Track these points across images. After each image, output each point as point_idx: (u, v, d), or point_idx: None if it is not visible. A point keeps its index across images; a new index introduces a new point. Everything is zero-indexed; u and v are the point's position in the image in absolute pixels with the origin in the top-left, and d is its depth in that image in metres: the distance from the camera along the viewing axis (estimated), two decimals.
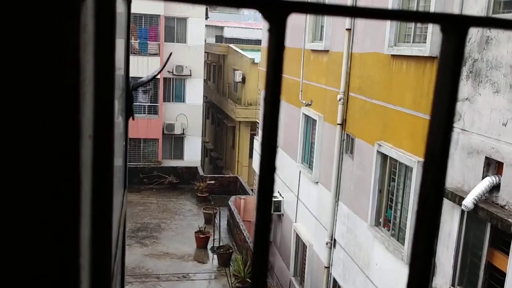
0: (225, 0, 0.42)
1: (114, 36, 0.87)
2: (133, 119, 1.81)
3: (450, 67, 0.45)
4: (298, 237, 13.39)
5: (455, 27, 0.45)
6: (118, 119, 1.49)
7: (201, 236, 17.75)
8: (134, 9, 24.08)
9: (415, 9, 8.25)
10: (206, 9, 27.39)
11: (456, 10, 6.93)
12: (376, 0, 9.44)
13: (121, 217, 1.55)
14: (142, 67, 24.82)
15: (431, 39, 7.47)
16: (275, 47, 0.41)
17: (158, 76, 25.27)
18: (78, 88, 0.53)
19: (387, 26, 8.76)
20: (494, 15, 6.38)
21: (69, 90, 0.52)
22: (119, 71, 1.54)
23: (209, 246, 17.78)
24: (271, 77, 0.42)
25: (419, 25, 8.21)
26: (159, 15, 25.53)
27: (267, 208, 0.43)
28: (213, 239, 17.55)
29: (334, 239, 11.12)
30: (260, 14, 0.41)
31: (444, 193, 6.01)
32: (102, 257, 0.89)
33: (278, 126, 0.43)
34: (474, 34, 6.60)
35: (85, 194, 0.65)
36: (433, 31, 7.45)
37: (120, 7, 1.43)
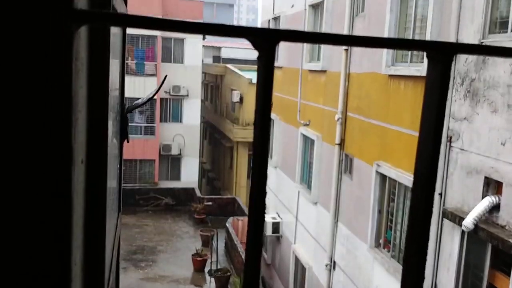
0: (215, 30, 0.43)
1: (107, 63, 0.90)
2: (127, 141, 1.77)
3: (436, 92, 0.47)
4: (297, 259, 13.24)
5: (440, 54, 0.46)
6: (113, 142, 1.46)
7: (198, 259, 17.53)
8: (131, 30, 24.30)
9: (412, 29, 8.30)
10: None
11: (452, 31, 6.97)
12: (372, 24, 9.52)
13: (115, 241, 1.51)
14: (139, 87, 24.88)
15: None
16: (264, 73, 0.42)
17: (155, 97, 25.32)
18: (70, 114, 0.53)
19: None
20: (490, 35, 6.42)
21: (61, 116, 0.52)
22: (114, 93, 1.52)
23: (206, 269, 17.56)
24: (261, 102, 0.43)
25: None
26: (156, 36, 25.72)
27: (259, 232, 0.44)
28: (211, 262, 17.33)
29: (334, 261, 10.98)
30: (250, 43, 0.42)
31: (444, 214, 5.95)
32: (95, 282, 0.87)
33: (269, 147, 0.44)
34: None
35: (77, 218, 0.63)
36: None
37: (115, 29, 1.42)
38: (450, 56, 0.47)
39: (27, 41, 0.49)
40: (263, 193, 0.44)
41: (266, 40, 0.42)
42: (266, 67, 0.42)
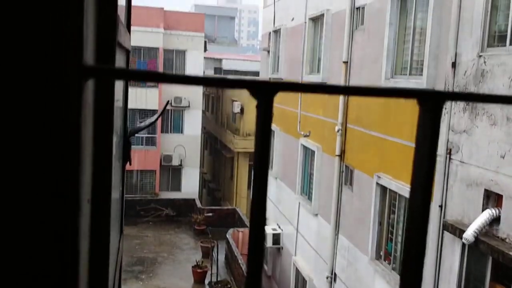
0: (217, 81, 0.46)
1: (112, 103, 0.91)
2: (130, 164, 1.80)
3: (427, 137, 0.49)
4: (297, 271, 13.19)
5: (431, 102, 0.49)
6: (115, 166, 1.49)
7: (199, 270, 17.46)
8: (134, 42, 24.42)
9: (411, 42, 8.36)
10: (205, 41, 27.78)
11: (451, 44, 7.02)
12: (372, 37, 9.58)
13: (116, 263, 1.52)
14: (141, 98, 24.97)
15: (428, 72, 7.54)
16: (262, 122, 0.45)
17: (156, 108, 25.39)
18: (78, 163, 0.56)
19: (384, 59, 8.86)
20: (489, 48, 6.46)
21: (69, 160, 0.55)
22: (118, 117, 1.55)
23: (206, 281, 17.48)
24: (259, 147, 0.45)
25: (415, 57, 8.31)
26: (158, 48, 25.86)
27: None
28: (211, 274, 17.26)
29: (335, 273, 10.94)
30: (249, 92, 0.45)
31: (445, 226, 5.94)
32: None
33: (266, 191, 0.45)
34: (470, 67, 6.67)
35: (83, 261, 0.65)
36: (429, 64, 7.53)
37: (121, 58, 1.46)
38: (440, 104, 0.49)
39: (38, 95, 0.52)
40: (263, 220, 0.46)
41: (264, 91, 0.44)
42: (264, 115, 0.44)
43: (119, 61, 1.45)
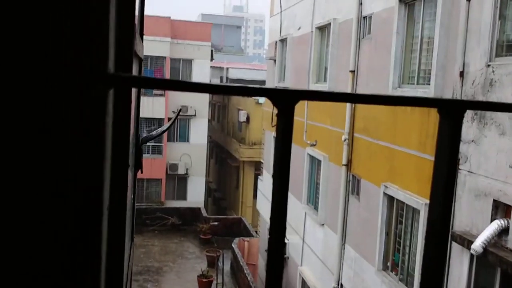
0: (238, 90, 0.45)
1: (129, 118, 0.94)
2: (141, 172, 1.79)
3: (447, 148, 0.49)
4: (304, 282, 13.09)
5: (451, 111, 0.49)
6: (129, 174, 1.49)
7: (204, 280, 17.38)
8: None
9: (418, 51, 8.34)
10: (212, 50, 27.89)
11: (459, 53, 6.99)
12: (379, 46, 9.57)
13: (128, 271, 1.52)
14: (148, 107, 25.05)
15: (435, 81, 7.51)
16: (283, 130, 0.45)
17: (163, 116, 25.46)
18: (102, 169, 0.57)
19: (391, 68, 8.84)
20: (497, 58, 6.43)
21: (95, 168, 0.56)
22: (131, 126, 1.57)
23: None
24: (280, 156, 0.45)
25: (422, 67, 8.28)
26: (165, 57, 25.99)
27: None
28: (216, 283, 17.18)
29: (341, 284, 10.85)
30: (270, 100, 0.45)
31: (453, 237, 5.88)
32: None
33: (287, 199, 0.46)
34: (478, 76, 6.64)
35: (102, 268, 0.66)
36: (436, 73, 7.50)
37: (135, 66, 1.46)
38: (461, 113, 0.49)
39: (66, 103, 0.53)
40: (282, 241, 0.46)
41: (285, 99, 0.44)
42: (285, 124, 0.45)
43: (134, 69, 1.46)
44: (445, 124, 0.49)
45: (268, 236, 0.45)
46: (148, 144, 26.30)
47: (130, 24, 0.92)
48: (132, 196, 1.79)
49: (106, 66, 0.55)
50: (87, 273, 0.57)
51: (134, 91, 1.59)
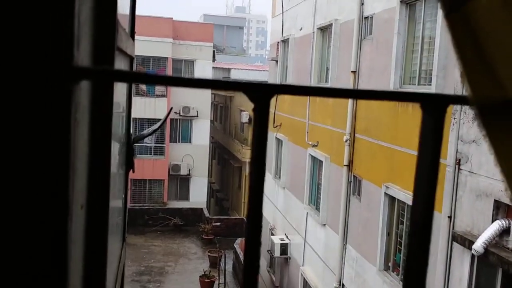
0: (215, 84, 0.45)
1: (110, 114, 0.91)
2: (133, 172, 1.80)
3: (430, 142, 0.48)
4: (305, 282, 13.09)
5: (433, 105, 0.48)
6: (118, 173, 1.49)
7: (206, 280, 17.40)
8: (142, 52, 24.66)
9: (419, 51, 8.34)
10: (214, 51, 27.92)
11: None
12: (380, 47, 9.58)
13: (118, 272, 1.52)
14: (150, 108, 25.10)
15: (437, 81, 7.51)
16: (259, 124, 0.44)
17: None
18: (67, 168, 0.54)
19: (392, 68, 8.85)
20: None
21: (58, 167, 0.54)
22: (120, 124, 1.55)
23: None
24: (256, 152, 0.45)
25: (423, 67, 8.28)
26: (167, 58, 26.02)
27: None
28: (218, 284, 17.19)
29: (343, 284, 10.85)
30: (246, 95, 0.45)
31: (454, 237, 5.87)
32: None
33: (262, 197, 0.45)
34: None
35: (76, 264, 0.64)
36: (437, 74, 7.50)
37: (123, 63, 1.46)
38: (443, 107, 0.48)
39: (25, 95, 0.51)
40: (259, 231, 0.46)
41: (261, 94, 0.44)
42: (261, 118, 0.44)
43: (122, 67, 1.46)
44: (428, 119, 0.48)
45: (246, 222, 0.46)
46: (150, 144, 26.34)
47: (111, 19, 0.91)
48: (124, 196, 1.80)
49: (71, 58, 0.53)
50: (51, 274, 0.55)
51: (123, 88, 1.59)
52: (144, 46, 24.26)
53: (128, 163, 1.73)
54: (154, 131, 2.62)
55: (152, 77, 0.46)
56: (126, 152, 1.68)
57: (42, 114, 0.51)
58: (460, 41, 0.45)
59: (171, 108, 3.60)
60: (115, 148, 1.30)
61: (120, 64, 1.36)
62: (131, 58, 1.74)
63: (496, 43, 0.42)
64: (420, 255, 0.49)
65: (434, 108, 0.48)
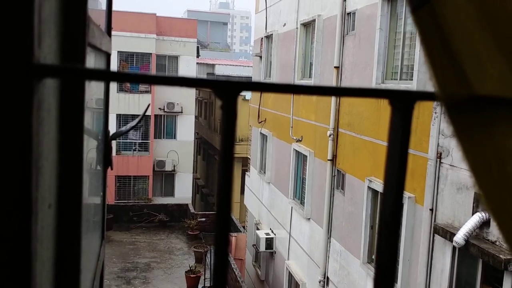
0: (183, 81, 0.45)
1: (81, 112, 0.90)
2: (111, 169, 1.80)
3: (399, 138, 0.48)
4: (290, 275, 13.19)
5: (402, 102, 0.48)
6: (95, 171, 1.49)
7: (192, 275, 17.41)
8: (126, 48, 24.46)
9: (401, 47, 8.44)
10: (197, 47, 27.80)
11: None
12: (363, 42, 9.65)
13: (96, 270, 1.52)
14: (134, 104, 24.93)
15: (418, 76, 7.61)
16: (226, 121, 0.44)
17: (149, 114, 25.37)
18: (29, 167, 0.53)
19: (375, 63, 8.93)
20: None
21: (19, 169, 0.52)
22: (97, 120, 1.55)
23: (200, 286, 17.42)
24: (224, 148, 0.45)
25: (405, 62, 8.38)
26: (151, 53, 25.85)
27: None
28: (204, 279, 17.22)
29: (327, 277, 10.96)
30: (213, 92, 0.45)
31: (435, 229, 5.97)
32: None
33: (231, 195, 0.46)
34: None
35: (44, 263, 0.64)
36: (419, 69, 7.60)
37: (96, 60, 1.47)
38: (411, 103, 0.48)
39: None
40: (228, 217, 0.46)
41: (227, 90, 0.44)
42: (228, 115, 0.44)
43: (97, 64, 1.45)
44: (397, 114, 0.49)
45: (216, 213, 0.47)
46: (134, 141, 26.17)
47: (80, 15, 0.89)
48: (102, 193, 1.79)
49: (31, 55, 0.51)
50: (17, 275, 0.53)
51: (100, 84, 1.58)
52: (128, 42, 24.07)
53: (106, 160, 1.74)
54: (132, 127, 2.63)
55: (118, 74, 0.46)
56: (104, 149, 1.69)
57: (0, 111, 0.50)
58: (427, 37, 0.45)
59: (149, 105, 3.61)
60: (91, 145, 1.29)
61: (95, 60, 1.35)
62: (107, 55, 1.74)
63: (463, 39, 0.42)
64: (390, 242, 0.49)
65: (402, 104, 0.49)
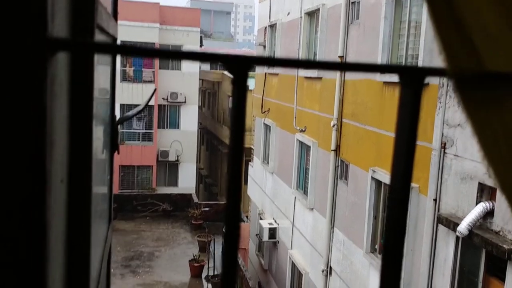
0: (193, 56, 0.45)
1: (91, 89, 0.90)
2: (118, 153, 1.81)
3: (408, 116, 0.48)
4: (293, 265, 13.24)
5: (412, 78, 0.47)
6: (103, 153, 1.49)
7: (196, 264, 17.52)
8: (130, 37, 24.39)
9: (406, 36, 8.37)
10: (201, 37, 27.71)
11: None
12: (367, 31, 9.59)
13: (104, 253, 1.53)
14: (137, 94, 24.93)
15: (423, 65, 7.55)
16: (237, 96, 0.45)
17: (153, 103, 25.36)
18: (44, 138, 0.54)
19: (379, 52, 8.87)
20: None
21: (34, 140, 0.53)
22: (104, 104, 1.55)
23: (203, 275, 17.54)
24: (235, 123, 0.45)
25: (410, 51, 8.32)
26: (154, 43, 25.79)
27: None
28: (208, 268, 17.32)
29: (330, 267, 11.00)
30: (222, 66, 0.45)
31: (439, 219, 5.96)
32: None
33: (242, 171, 0.46)
34: None
35: (56, 239, 0.64)
36: (424, 58, 7.55)
37: (104, 38, 1.46)
38: (421, 80, 0.48)
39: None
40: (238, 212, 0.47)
41: (239, 65, 0.44)
42: (239, 89, 0.44)
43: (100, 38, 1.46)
44: (406, 91, 0.48)
45: (226, 199, 0.46)
46: (138, 131, 26.21)
47: None
48: (109, 177, 1.80)
49: (45, 30, 0.52)
50: (30, 241, 0.54)
51: (106, 68, 1.58)
52: (131, 31, 23.99)
53: (113, 144, 1.74)
54: (138, 112, 2.63)
55: (129, 48, 0.46)
56: (111, 133, 1.69)
57: (16, 84, 0.51)
58: (438, 13, 0.44)
59: (155, 89, 3.61)
60: (99, 128, 1.30)
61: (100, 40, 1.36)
62: (113, 39, 1.74)
63: (474, 13, 0.41)
64: (398, 224, 0.49)
65: (412, 80, 0.48)
